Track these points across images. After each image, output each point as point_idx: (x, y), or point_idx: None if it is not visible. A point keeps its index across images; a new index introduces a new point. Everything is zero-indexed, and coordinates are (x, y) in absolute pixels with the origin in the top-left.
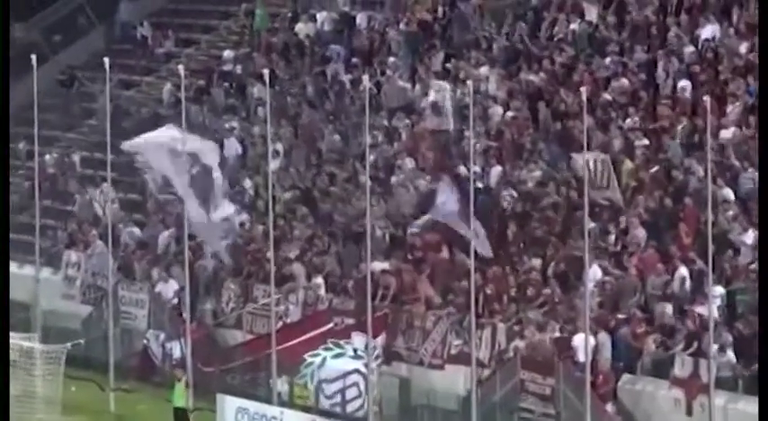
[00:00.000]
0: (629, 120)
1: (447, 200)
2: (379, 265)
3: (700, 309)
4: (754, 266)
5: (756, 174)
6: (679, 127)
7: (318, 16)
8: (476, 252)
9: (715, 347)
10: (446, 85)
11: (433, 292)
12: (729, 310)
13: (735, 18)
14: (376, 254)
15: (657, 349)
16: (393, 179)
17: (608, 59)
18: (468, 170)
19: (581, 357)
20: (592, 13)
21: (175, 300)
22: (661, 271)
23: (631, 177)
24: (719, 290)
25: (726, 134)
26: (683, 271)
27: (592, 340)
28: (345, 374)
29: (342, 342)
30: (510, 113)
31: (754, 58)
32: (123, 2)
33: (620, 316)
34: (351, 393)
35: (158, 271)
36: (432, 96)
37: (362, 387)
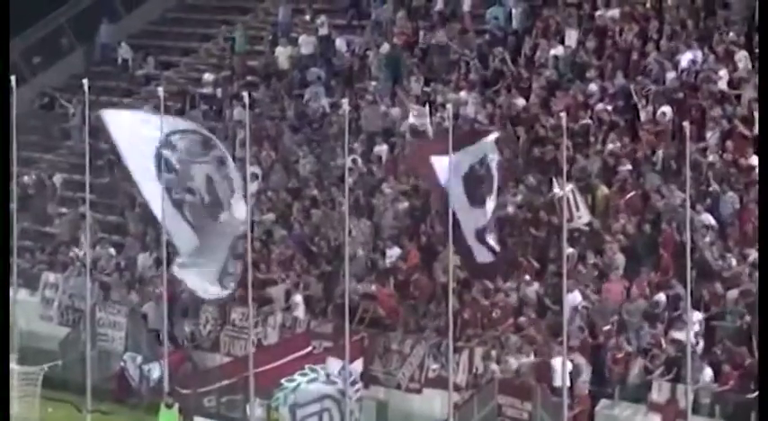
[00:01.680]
0: (609, 145)
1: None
2: (358, 288)
3: (677, 335)
4: (734, 292)
5: (737, 197)
6: (659, 152)
7: (299, 40)
8: (456, 274)
9: (692, 373)
10: (425, 111)
11: (411, 316)
12: (708, 336)
13: (714, 44)
14: (355, 277)
15: (635, 374)
16: (374, 202)
17: (589, 85)
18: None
19: (558, 382)
20: (572, 38)
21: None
22: (639, 296)
23: (608, 202)
24: (698, 315)
25: (706, 159)
26: (661, 296)
27: (569, 365)
28: (318, 399)
29: (317, 367)
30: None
31: (737, 83)
32: (104, 24)
33: (597, 341)
34: (324, 418)
35: (138, 293)
36: (411, 120)
37: (335, 412)
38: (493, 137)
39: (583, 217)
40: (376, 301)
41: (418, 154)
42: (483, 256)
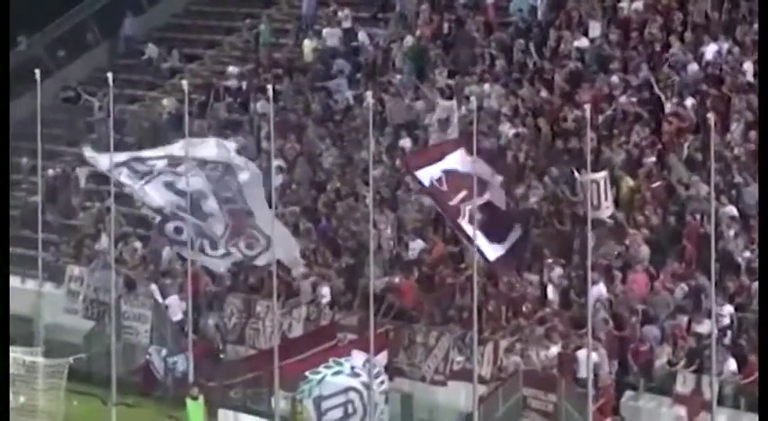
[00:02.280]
0: (633, 137)
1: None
2: (383, 281)
3: (702, 327)
4: (755, 282)
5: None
6: (685, 144)
7: (323, 32)
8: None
9: (717, 364)
10: (453, 105)
11: (436, 309)
12: (732, 327)
13: (739, 35)
14: (380, 269)
15: (659, 366)
16: (398, 194)
17: (612, 76)
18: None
19: (583, 373)
20: (596, 30)
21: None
22: (663, 288)
23: (633, 194)
24: (723, 307)
25: (730, 151)
26: (685, 288)
27: (594, 356)
28: (342, 391)
29: (342, 359)
30: (512, 130)
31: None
32: (128, 17)
33: (622, 332)
34: (348, 410)
35: (163, 285)
36: (437, 114)
37: (358, 404)
38: (459, 151)
39: (609, 208)
40: (400, 294)
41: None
42: (491, 253)
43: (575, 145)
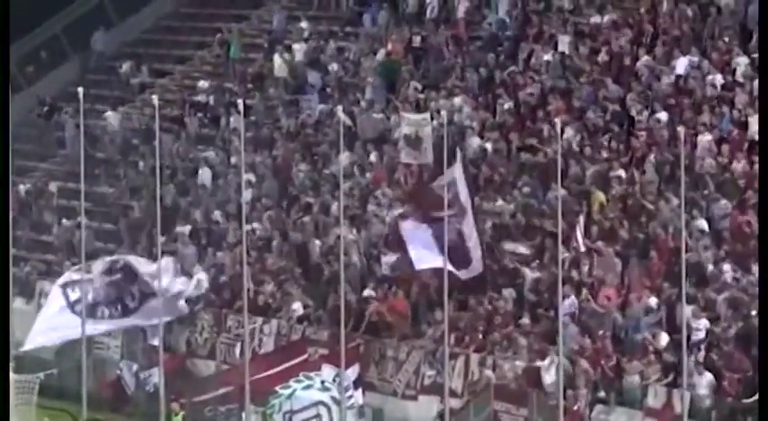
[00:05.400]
0: (603, 151)
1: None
2: (353, 296)
3: (673, 340)
4: (725, 296)
5: (727, 202)
6: (653, 157)
7: (293, 47)
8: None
9: (688, 378)
10: (426, 118)
11: (407, 323)
12: (703, 340)
13: (709, 49)
14: (350, 284)
15: (630, 379)
16: (369, 208)
17: (582, 90)
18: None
19: (553, 387)
20: (565, 44)
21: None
22: (634, 301)
23: (603, 208)
24: (694, 320)
25: (700, 164)
26: (655, 301)
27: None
28: (312, 405)
29: (312, 374)
30: (483, 144)
31: (731, 86)
32: (98, 32)
33: (593, 346)
34: None
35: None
36: (406, 129)
37: (326, 419)
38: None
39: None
40: (386, 306)
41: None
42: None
43: (542, 158)
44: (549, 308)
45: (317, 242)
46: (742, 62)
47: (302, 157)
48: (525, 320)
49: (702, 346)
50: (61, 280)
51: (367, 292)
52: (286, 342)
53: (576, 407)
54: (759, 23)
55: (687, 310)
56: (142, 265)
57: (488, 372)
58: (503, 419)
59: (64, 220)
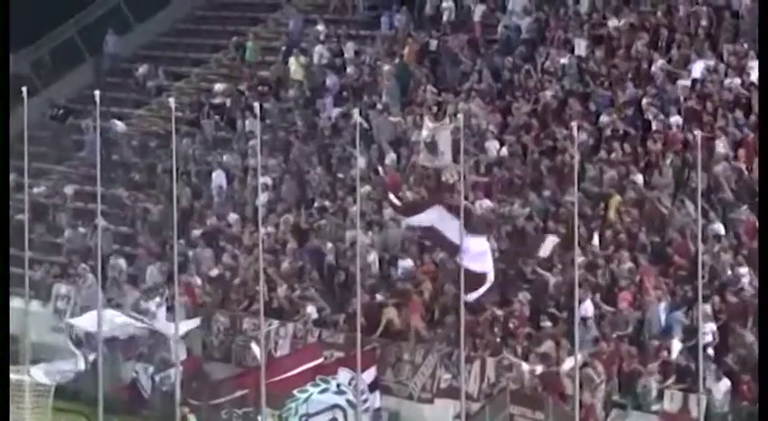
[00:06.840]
0: (619, 155)
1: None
2: (370, 299)
3: (687, 344)
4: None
5: (745, 207)
6: (669, 160)
7: (310, 50)
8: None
9: (705, 382)
10: (444, 123)
11: (423, 326)
12: (720, 345)
13: (726, 53)
14: (366, 287)
15: (647, 383)
16: (385, 212)
17: (598, 94)
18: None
19: (570, 391)
20: (582, 48)
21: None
22: (650, 304)
23: (621, 211)
24: (710, 324)
25: (716, 168)
26: (672, 305)
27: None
28: (328, 409)
29: (328, 377)
30: (499, 148)
31: (747, 90)
32: (114, 35)
33: (610, 350)
34: None
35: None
36: (426, 133)
37: None
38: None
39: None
40: (402, 310)
41: None
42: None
43: (560, 162)
44: (566, 311)
45: (332, 245)
46: (756, 66)
47: (318, 160)
48: (542, 324)
49: (710, 349)
50: None
51: (382, 296)
52: (302, 345)
53: (592, 412)
54: (759, 23)
55: (701, 313)
56: None
57: (505, 376)
58: None
59: (80, 223)
